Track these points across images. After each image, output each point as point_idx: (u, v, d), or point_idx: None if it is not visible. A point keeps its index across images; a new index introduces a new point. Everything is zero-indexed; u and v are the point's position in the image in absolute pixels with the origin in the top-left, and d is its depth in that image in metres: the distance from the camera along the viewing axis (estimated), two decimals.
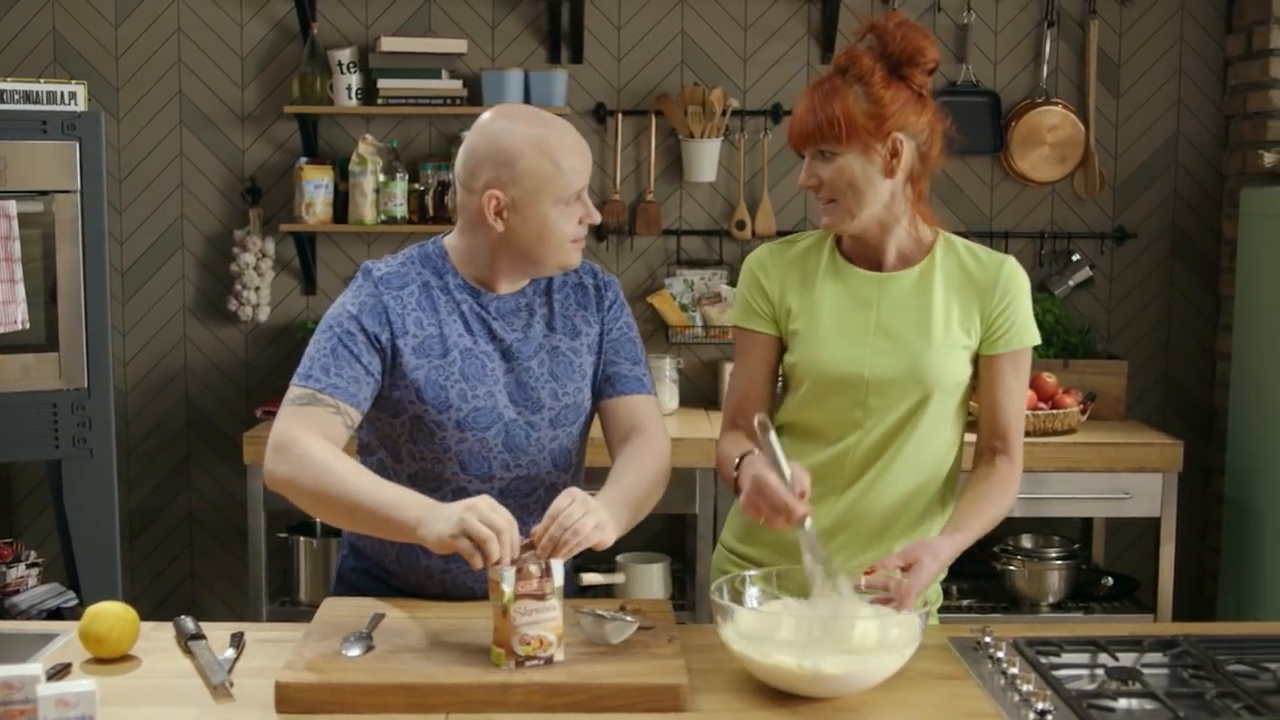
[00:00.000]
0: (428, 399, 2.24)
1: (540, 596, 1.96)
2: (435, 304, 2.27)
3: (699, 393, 4.46)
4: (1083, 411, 3.99)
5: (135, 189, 4.39)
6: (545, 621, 1.96)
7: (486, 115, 2.26)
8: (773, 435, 2.09)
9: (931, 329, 2.27)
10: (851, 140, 2.20)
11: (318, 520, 4.14)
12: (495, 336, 2.28)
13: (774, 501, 2.04)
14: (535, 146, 2.19)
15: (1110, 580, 4.07)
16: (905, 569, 2.04)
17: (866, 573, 2.06)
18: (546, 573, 1.97)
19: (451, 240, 2.33)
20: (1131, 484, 3.91)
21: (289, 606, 4.01)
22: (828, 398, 2.30)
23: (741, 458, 2.19)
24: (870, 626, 1.95)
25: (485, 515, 1.96)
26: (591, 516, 2.02)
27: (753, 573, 2.13)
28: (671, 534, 4.44)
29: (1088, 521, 4.40)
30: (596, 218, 2.27)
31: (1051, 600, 4.01)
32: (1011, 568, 3.98)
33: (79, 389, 3.65)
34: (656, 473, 2.29)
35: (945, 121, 2.29)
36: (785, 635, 1.95)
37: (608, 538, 2.05)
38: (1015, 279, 2.29)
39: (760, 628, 1.97)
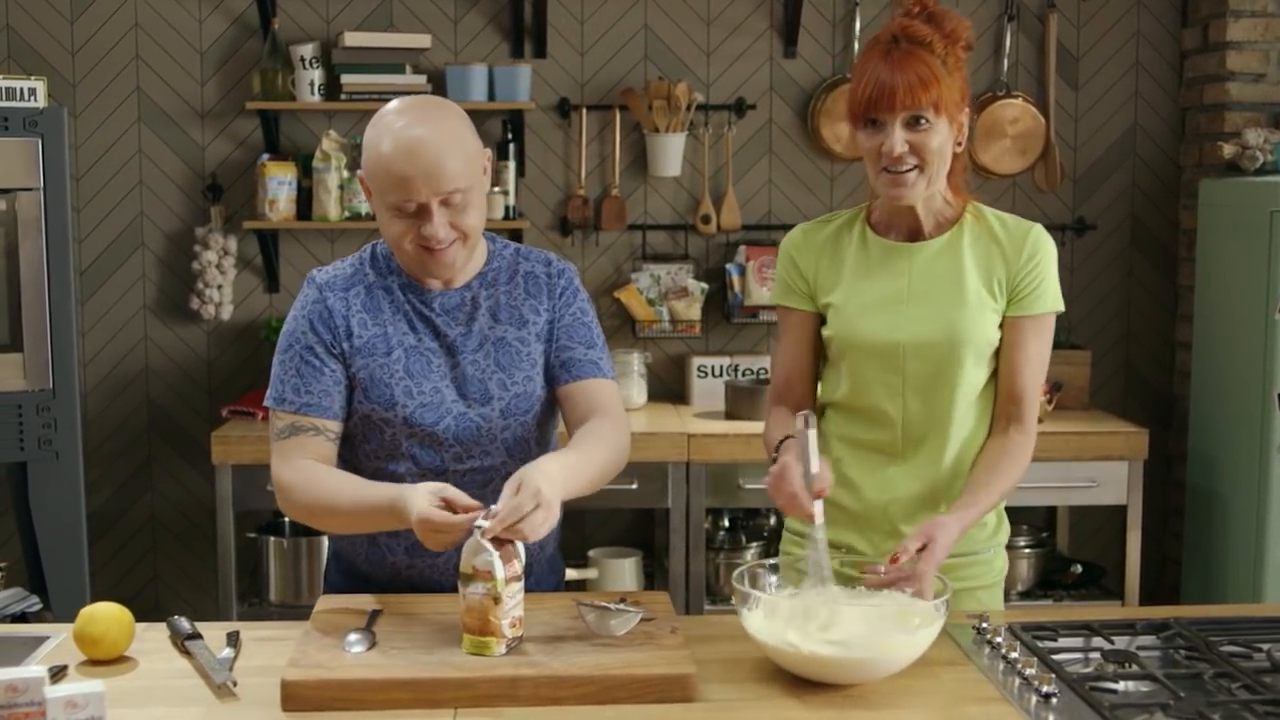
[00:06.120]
0: (373, 397, 2.26)
1: (519, 578, 2.00)
2: (379, 305, 2.28)
3: (666, 388, 4.46)
4: (1049, 401, 4.04)
5: (93, 187, 4.32)
6: (520, 601, 2.00)
7: (389, 104, 2.25)
8: (811, 431, 2.11)
9: (964, 291, 2.29)
10: (948, 110, 2.21)
11: (286, 521, 4.11)
12: (439, 333, 2.29)
13: (790, 493, 2.10)
14: (380, 143, 2.16)
15: (1079, 568, 4.12)
16: (921, 550, 2.07)
17: (891, 561, 2.08)
18: (518, 553, 2.00)
19: None
20: (1098, 472, 3.96)
21: (258, 607, 3.96)
22: (867, 367, 2.33)
23: (782, 441, 2.23)
24: (890, 609, 2.01)
25: (436, 520, 1.99)
26: (543, 513, 1.99)
27: (771, 561, 2.16)
28: (643, 528, 4.44)
29: (1051, 510, 4.45)
30: (430, 239, 2.16)
31: (1020, 589, 4.05)
32: None
33: (44, 390, 3.60)
34: (616, 448, 2.27)
35: None
36: (813, 622, 1.97)
37: (551, 527, 2.03)
38: (1043, 243, 2.32)
39: (784, 614, 1.99)
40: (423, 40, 4.24)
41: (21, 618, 3.65)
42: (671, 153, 4.32)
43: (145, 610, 4.26)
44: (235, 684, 1.92)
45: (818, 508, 2.10)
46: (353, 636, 2.00)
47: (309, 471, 2.20)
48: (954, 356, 2.29)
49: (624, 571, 4.05)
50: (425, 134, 2.15)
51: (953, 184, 2.32)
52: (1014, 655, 2.03)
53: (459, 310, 2.30)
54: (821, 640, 1.92)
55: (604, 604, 2.05)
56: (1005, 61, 4.41)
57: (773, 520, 4.30)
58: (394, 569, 2.33)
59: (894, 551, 2.11)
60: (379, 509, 2.10)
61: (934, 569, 2.08)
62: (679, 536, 3.95)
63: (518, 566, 1.99)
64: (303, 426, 2.23)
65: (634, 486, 3.86)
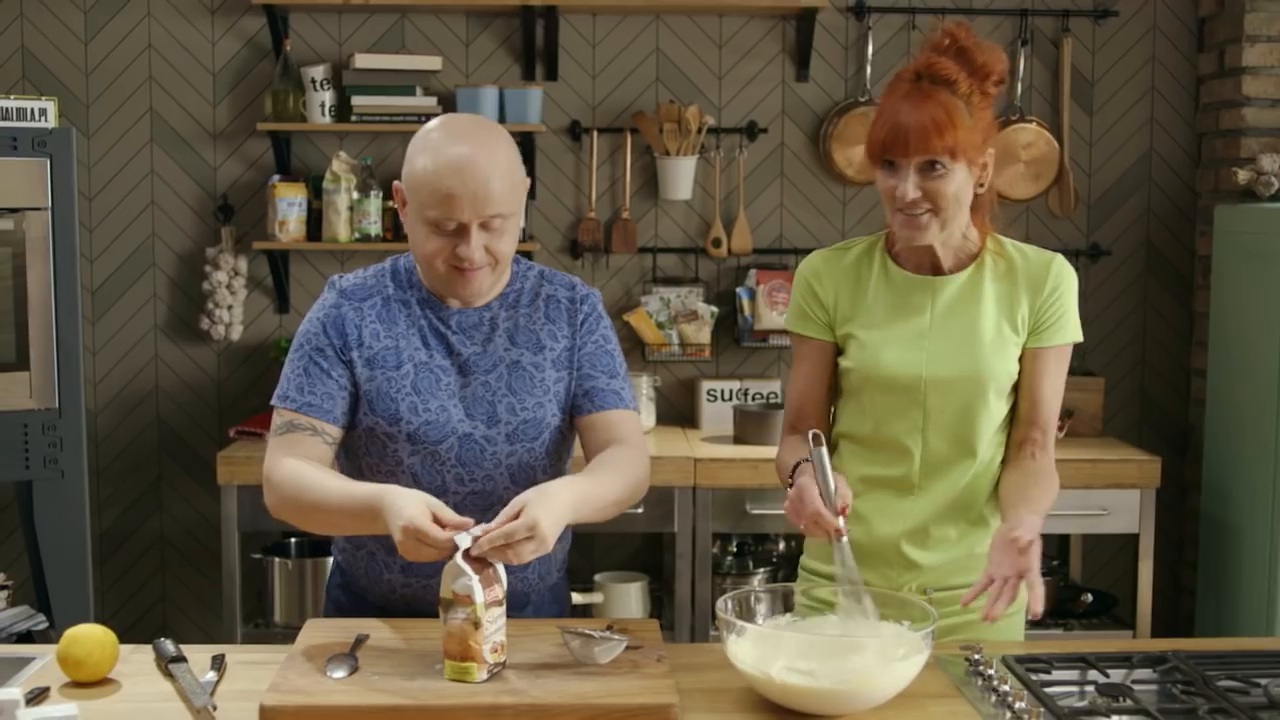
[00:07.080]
0: (378, 411, 2.25)
1: (500, 602, 1.97)
2: (395, 317, 2.28)
3: (676, 411, 4.44)
4: (1060, 429, 3.99)
5: (105, 207, 4.34)
6: (502, 626, 1.97)
7: (437, 118, 2.25)
8: (823, 449, 2.11)
9: (983, 327, 2.28)
10: (966, 154, 2.18)
11: (292, 541, 4.10)
12: (453, 351, 2.27)
13: (811, 513, 2.09)
14: (428, 157, 2.15)
15: (1090, 597, 4.07)
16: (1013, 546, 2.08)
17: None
18: (499, 577, 1.98)
19: None
20: (1109, 500, 3.92)
21: (263, 628, 3.96)
22: (887, 402, 2.31)
23: (796, 465, 2.21)
24: (877, 644, 1.97)
25: (426, 532, 1.96)
26: (534, 545, 1.97)
27: (760, 589, 2.14)
28: (650, 553, 4.41)
29: (1065, 538, 4.40)
30: (464, 260, 2.17)
31: (1030, 617, 3.99)
32: None
33: (50, 409, 3.60)
34: (633, 478, 2.26)
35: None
36: (792, 652, 1.94)
37: (540, 555, 2.02)
38: (1065, 274, 2.31)
39: (767, 644, 1.96)
40: (434, 62, 4.24)
41: (28, 636, 3.66)
42: (682, 176, 4.31)
43: (152, 631, 4.29)
44: (215, 708, 1.91)
45: (842, 523, 2.09)
46: (334, 662, 1.99)
47: (300, 467, 2.18)
48: (977, 393, 2.28)
49: (630, 596, 4.02)
50: (476, 154, 2.14)
51: (975, 220, 2.30)
52: (1005, 688, 2.00)
53: (476, 330, 2.28)
54: (798, 671, 1.90)
55: (589, 631, 2.03)
56: (1019, 86, 4.38)
57: (781, 546, 4.27)
58: (389, 586, 2.32)
59: (972, 589, 2.12)
60: (358, 507, 2.08)
61: (1037, 561, 2.09)
62: (686, 561, 3.92)
63: (498, 591, 1.97)
64: (300, 425, 2.22)
65: (641, 511, 3.83)
